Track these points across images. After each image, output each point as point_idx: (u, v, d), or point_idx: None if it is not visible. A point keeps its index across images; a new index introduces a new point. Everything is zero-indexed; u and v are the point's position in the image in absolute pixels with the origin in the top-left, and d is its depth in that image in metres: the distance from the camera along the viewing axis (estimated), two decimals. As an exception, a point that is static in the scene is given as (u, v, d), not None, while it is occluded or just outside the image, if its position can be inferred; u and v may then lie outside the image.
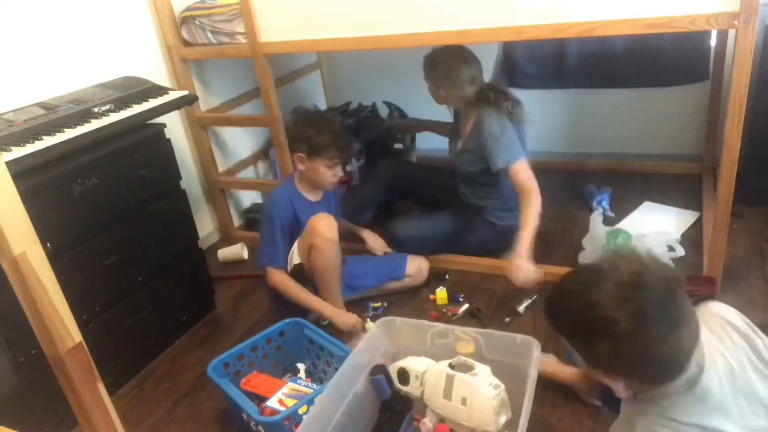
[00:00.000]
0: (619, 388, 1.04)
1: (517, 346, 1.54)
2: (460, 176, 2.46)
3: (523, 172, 2.18)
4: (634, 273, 0.96)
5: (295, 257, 2.11)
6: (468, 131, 2.34)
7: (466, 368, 1.51)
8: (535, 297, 2.17)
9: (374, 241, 2.40)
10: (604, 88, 3.03)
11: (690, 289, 1.28)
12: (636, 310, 0.93)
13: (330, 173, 2.09)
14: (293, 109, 2.24)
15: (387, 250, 2.38)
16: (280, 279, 2.08)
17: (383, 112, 3.40)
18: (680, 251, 2.26)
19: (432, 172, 2.78)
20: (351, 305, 2.17)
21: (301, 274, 2.10)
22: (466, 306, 2.19)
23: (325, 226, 1.98)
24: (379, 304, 2.25)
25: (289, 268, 2.12)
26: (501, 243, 2.43)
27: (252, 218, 3.05)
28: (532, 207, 2.11)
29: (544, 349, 1.89)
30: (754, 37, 1.67)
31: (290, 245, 2.12)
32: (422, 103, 3.34)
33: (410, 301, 2.28)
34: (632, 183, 2.89)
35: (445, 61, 2.27)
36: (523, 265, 2.03)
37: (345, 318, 2.04)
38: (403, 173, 2.80)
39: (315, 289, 2.10)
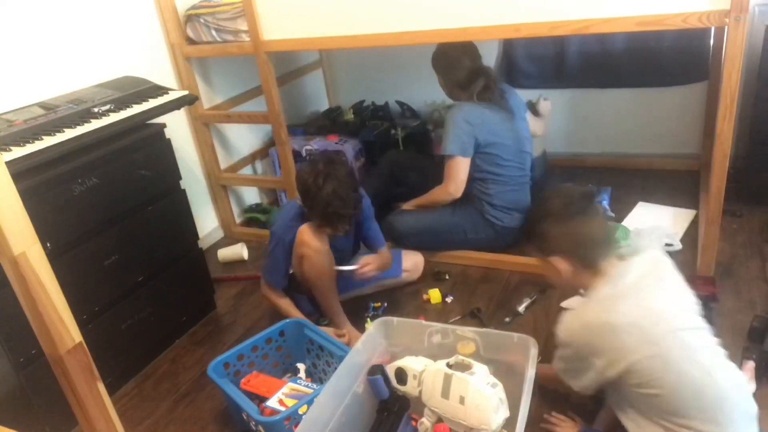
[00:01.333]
0: (563, 270, 1.42)
1: (515, 345, 1.54)
2: None
3: (449, 170, 2.35)
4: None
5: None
6: None
7: (464, 367, 1.51)
8: (535, 297, 2.17)
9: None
10: (604, 88, 3.03)
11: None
12: (567, 202, 1.42)
13: (326, 230, 1.97)
14: (311, 162, 2.04)
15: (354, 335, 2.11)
16: (272, 296, 2.10)
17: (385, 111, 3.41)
18: (677, 245, 2.27)
19: (433, 162, 2.80)
20: (351, 304, 2.18)
21: (293, 283, 2.11)
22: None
23: (312, 237, 1.96)
24: (379, 304, 2.25)
25: None
26: (499, 242, 2.44)
27: (252, 218, 3.06)
28: (435, 191, 2.42)
29: (544, 347, 1.91)
30: (744, 34, 1.70)
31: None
32: (423, 102, 3.37)
33: (410, 301, 2.28)
34: (632, 182, 2.89)
35: (444, 50, 2.42)
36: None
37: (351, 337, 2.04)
38: (403, 164, 2.81)
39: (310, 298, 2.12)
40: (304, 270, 2.00)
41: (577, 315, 1.38)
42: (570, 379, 1.44)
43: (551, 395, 1.73)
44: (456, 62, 2.37)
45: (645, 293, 1.33)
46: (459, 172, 2.34)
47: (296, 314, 2.06)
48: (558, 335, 1.41)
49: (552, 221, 1.41)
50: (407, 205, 2.57)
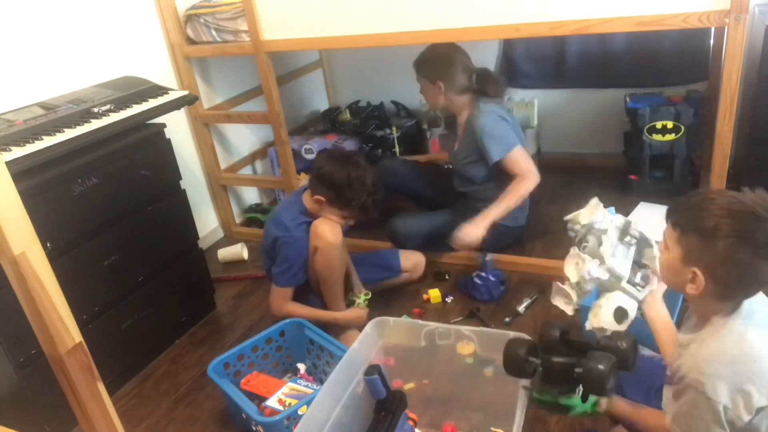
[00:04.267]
0: (697, 288, 1.14)
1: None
2: (459, 177, 2.47)
3: (519, 163, 2.24)
4: None
5: None
6: (462, 130, 2.36)
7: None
8: (535, 297, 2.17)
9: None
10: (604, 88, 3.03)
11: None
12: (764, 232, 1.07)
13: (341, 221, 2.03)
14: (329, 151, 2.07)
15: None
16: (283, 306, 2.05)
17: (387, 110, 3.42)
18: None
19: (431, 171, 2.79)
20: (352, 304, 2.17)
21: (306, 286, 2.10)
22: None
23: (328, 230, 1.96)
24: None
25: None
26: (501, 242, 2.44)
27: (252, 218, 3.06)
28: (515, 186, 2.24)
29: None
30: (744, 34, 1.71)
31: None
32: (419, 101, 3.37)
33: (410, 300, 2.29)
34: (632, 182, 2.89)
35: (438, 53, 2.33)
36: (470, 230, 2.18)
37: (354, 317, 2.07)
38: (402, 173, 2.81)
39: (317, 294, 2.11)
40: (316, 263, 2.00)
41: (713, 351, 1.14)
42: None
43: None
44: (456, 63, 2.29)
45: None
46: (526, 160, 2.26)
47: (317, 313, 2.04)
48: (684, 380, 1.15)
49: (742, 249, 1.08)
50: (484, 221, 2.22)
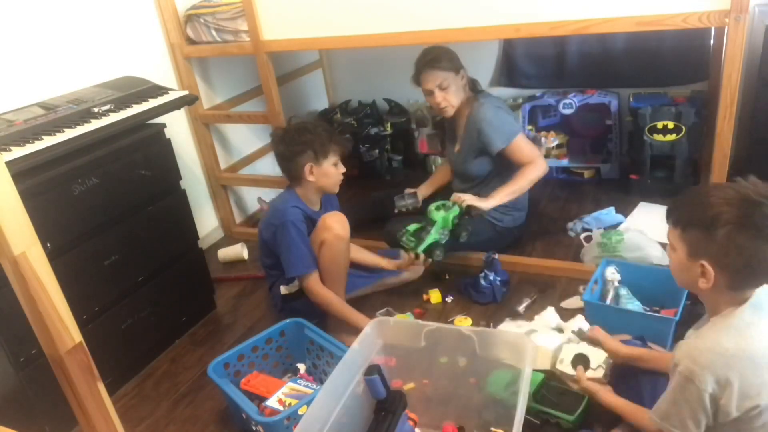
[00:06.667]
0: (708, 281, 1.18)
1: (511, 344, 1.54)
2: (459, 176, 2.47)
3: (522, 151, 2.23)
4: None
5: None
6: (463, 129, 2.36)
7: None
8: (535, 297, 2.17)
9: (387, 263, 2.27)
10: (604, 88, 3.03)
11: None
12: (763, 215, 1.11)
13: (336, 171, 2.07)
14: (272, 133, 2.15)
15: (397, 264, 2.24)
16: (322, 291, 2.00)
17: (383, 109, 3.42)
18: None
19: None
20: (353, 304, 2.17)
21: None
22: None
23: (337, 223, 1.99)
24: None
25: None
26: (500, 243, 2.44)
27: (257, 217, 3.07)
28: (524, 171, 2.21)
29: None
30: (744, 34, 1.71)
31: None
32: (414, 100, 3.37)
33: (410, 300, 2.28)
34: (632, 182, 2.89)
35: (444, 48, 2.28)
36: (480, 202, 2.16)
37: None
38: (386, 203, 2.78)
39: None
40: (321, 257, 2.01)
41: (710, 343, 1.17)
42: (675, 425, 1.21)
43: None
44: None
45: None
46: (531, 148, 2.25)
47: (353, 315, 1.98)
48: (677, 368, 1.19)
49: (743, 234, 1.11)
50: (490, 203, 2.20)
